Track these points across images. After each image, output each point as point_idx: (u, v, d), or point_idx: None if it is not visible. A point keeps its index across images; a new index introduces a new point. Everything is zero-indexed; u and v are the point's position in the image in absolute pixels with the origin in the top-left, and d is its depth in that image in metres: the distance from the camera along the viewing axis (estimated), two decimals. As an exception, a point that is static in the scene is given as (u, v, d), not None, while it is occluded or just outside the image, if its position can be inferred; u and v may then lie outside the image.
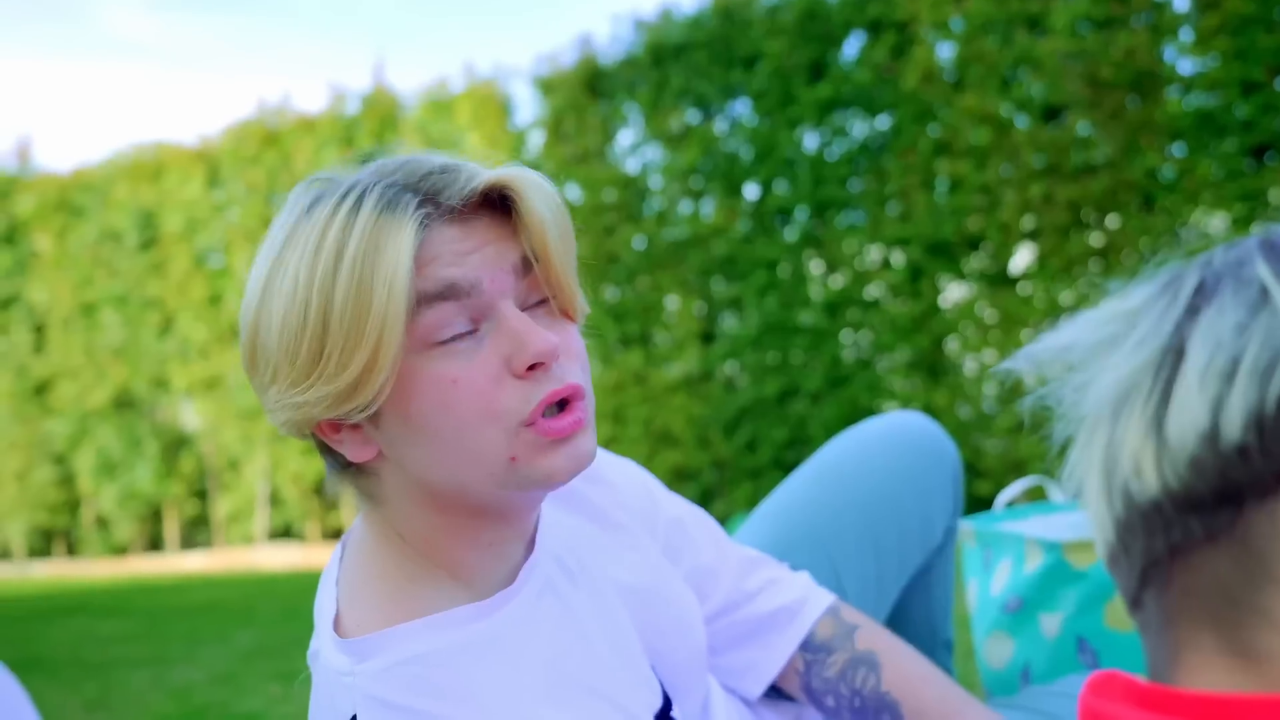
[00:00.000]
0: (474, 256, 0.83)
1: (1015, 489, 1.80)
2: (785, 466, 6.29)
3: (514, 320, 0.83)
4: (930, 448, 1.45)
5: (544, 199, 0.86)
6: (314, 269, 0.80)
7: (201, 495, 8.25)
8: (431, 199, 0.83)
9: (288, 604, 4.56)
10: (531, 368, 0.83)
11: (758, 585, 1.19)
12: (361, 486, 0.89)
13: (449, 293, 0.81)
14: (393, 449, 0.85)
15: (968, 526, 1.74)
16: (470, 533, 0.89)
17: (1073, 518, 1.76)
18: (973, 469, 5.98)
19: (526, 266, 0.86)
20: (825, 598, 1.20)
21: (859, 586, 1.39)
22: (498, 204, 0.87)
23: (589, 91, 6.73)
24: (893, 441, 1.45)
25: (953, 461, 1.46)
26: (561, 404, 0.85)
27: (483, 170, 0.86)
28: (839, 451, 1.45)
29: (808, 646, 1.18)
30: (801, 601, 1.19)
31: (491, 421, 0.82)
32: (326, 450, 0.89)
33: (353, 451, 0.85)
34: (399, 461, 0.85)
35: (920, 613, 1.51)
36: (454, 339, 0.82)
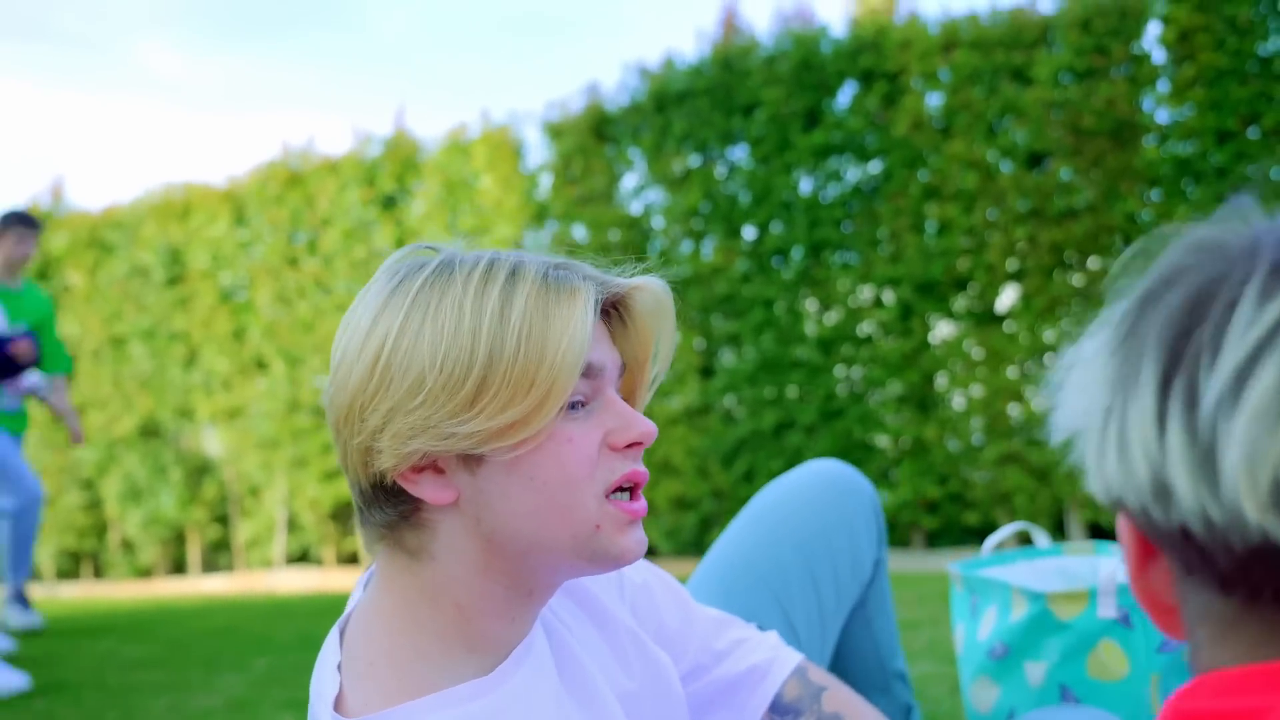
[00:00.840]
0: (604, 344, 0.93)
1: (1002, 534, 1.86)
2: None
3: (620, 403, 0.92)
4: (851, 487, 1.55)
5: (669, 324, 0.98)
6: (480, 316, 0.86)
7: (223, 520, 8.53)
8: (596, 284, 0.92)
9: (303, 629, 4.72)
10: (629, 445, 0.91)
11: (726, 646, 1.20)
12: (407, 541, 0.90)
13: (588, 369, 0.90)
14: (479, 496, 0.88)
15: (956, 571, 1.80)
16: (508, 602, 0.92)
17: (1058, 563, 1.83)
18: (961, 500, 6.20)
19: (624, 368, 0.97)
20: (793, 657, 1.22)
21: (805, 621, 1.45)
22: (618, 307, 0.98)
23: (596, 136, 7.02)
24: (818, 484, 1.54)
25: (871, 499, 1.56)
26: (629, 490, 0.92)
27: (627, 279, 0.96)
28: (772, 497, 1.54)
29: (776, 708, 1.18)
30: (770, 661, 1.20)
31: (589, 484, 0.89)
32: (386, 499, 0.90)
33: (432, 493, 0.88)
34: (478, 512, 0.88)
35: (866, 646, 1.57)
36: (575, 405, 0.90)
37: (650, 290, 0.96)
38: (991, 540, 1.86)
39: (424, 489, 0.88)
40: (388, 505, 0.90)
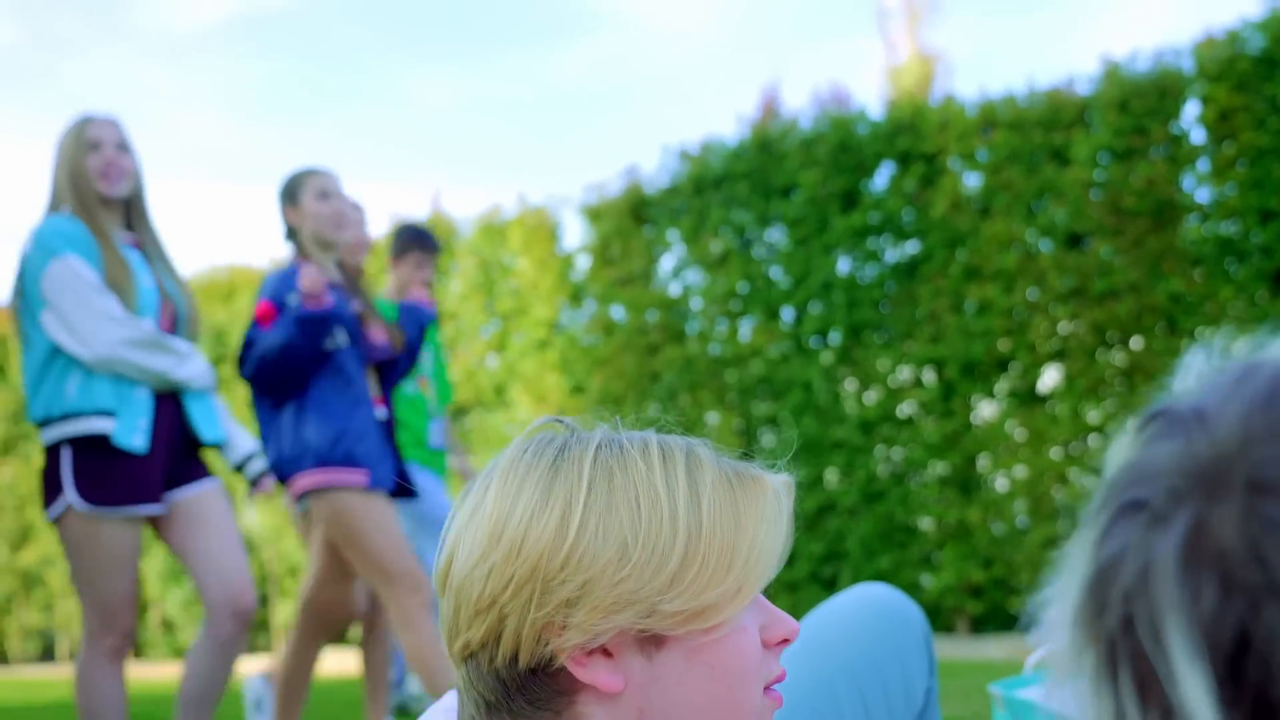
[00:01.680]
0: None
1: (1044, 651, 1.82)
2: (822, 581, 6.43)
3: (763, 598, 0.92)
4: (903, 616, 1.52)
5: (789, 524, 0.95)
6: (674, 494, 0.85)
7: (262, 600, 8.53)
8: (772, 475, 0.92)
9: (336, 717, 4.72)
10: (779, 642, 0.92)
11: None
12: None
13: None
14: (653, 684, 0.86)
15: (997, 692, 1.75)
16: None
17: None
18: (1006, 585, 6.09)
19: None
20: None
21: None
22: None
23: (634, 218, 7.07)
24: (869, 613, 1.52)
25: (922, 626, 1.54)
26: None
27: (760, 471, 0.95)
28: (818, 625, 1.51)
29: None
30: None
31: (758, 678, 0.89)
32: (542, 685, 0.86)
33: (604, 679, 0.85)
34: (645, 701, 0.86)
35: None
36: None
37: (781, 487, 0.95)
38: (1033, 658, 1.79)
39: (596, 674, 0.84)
40: (540, 691, 0.85)
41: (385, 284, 4.23)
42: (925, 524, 6.25)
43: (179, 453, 2.86)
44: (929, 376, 6.28)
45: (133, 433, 2.74)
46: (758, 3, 22.02)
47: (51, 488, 2.78)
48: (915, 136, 6.30)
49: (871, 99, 9.62)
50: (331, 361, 3.09)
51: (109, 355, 2.72)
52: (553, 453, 0.88)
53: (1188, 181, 5.81)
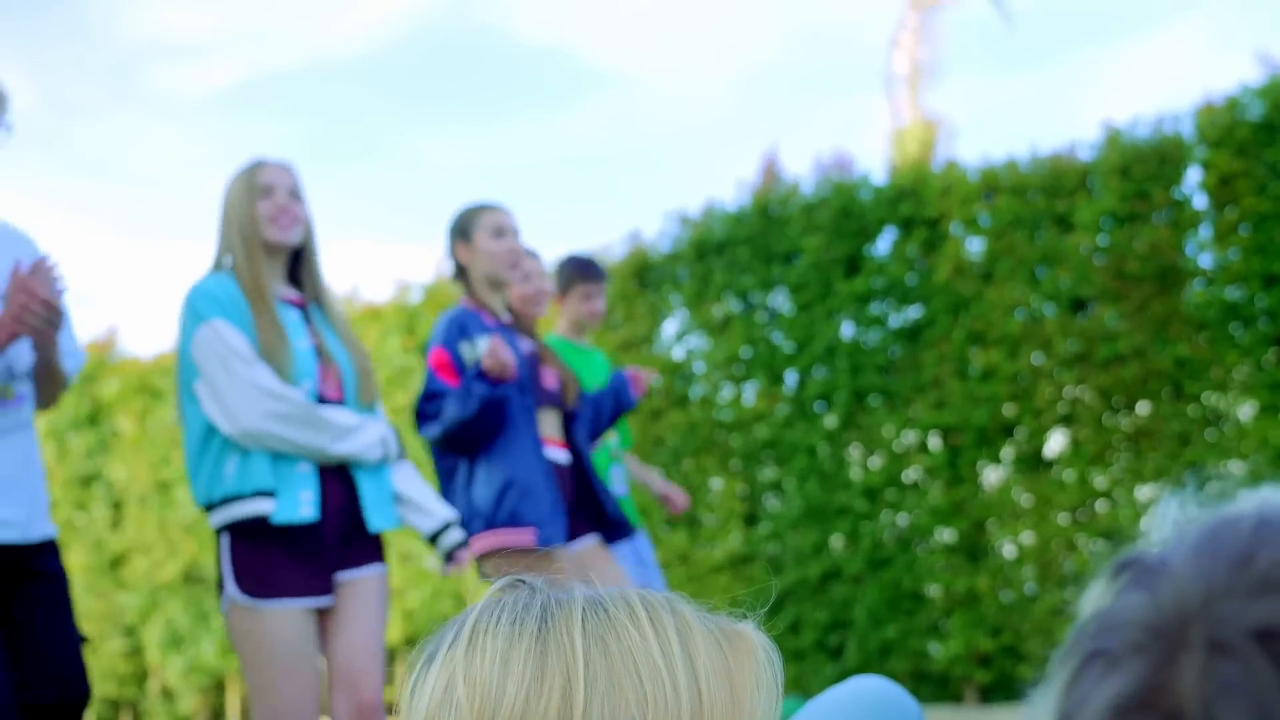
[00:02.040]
0: None
1: None
2: (828, 649, 6.35)
3: None
4: (897, 707, 1.55)
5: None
6: (670, 658, 0.82)
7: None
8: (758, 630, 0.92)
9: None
10: None
11: None
12: None
13: None
14: None
15: None
16: None
17: None
18: (1015, 653, 6.01)
19: None
20: None
21: None
22: None
23: (638, 282, 7.07)
24: (866, 708, 1.55)
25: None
26: None
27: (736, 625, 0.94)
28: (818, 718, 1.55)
29: None
30: None
31: None
32: None
33: None
34: None
35: None
36: None
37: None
38: None
39: None
40: None
41: (556, 323, 4.03)
42: (933, 591, 6.18)
43: (347, 533, 2.65)
44: (934, 442, 6.24)
45: (296, 506, 2.54)
46: (762, 65, 22.27)
47: (219, 581, 2.59)
48: (918, 202, 6.31)
49: (875, 163, 9.68)
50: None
51: (256, 430, 2.50)
52: (535, 621, 0.82)
53: (1190, 246, 5.80)
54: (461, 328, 3.05)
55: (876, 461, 6.36)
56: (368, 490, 2.66)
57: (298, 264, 2.77)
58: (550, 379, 3.19)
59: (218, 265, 2.72)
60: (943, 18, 10.93)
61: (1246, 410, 5.65)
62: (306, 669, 2.54)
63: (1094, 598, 0.54)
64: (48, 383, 2.53)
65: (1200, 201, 5.78)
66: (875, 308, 6.39)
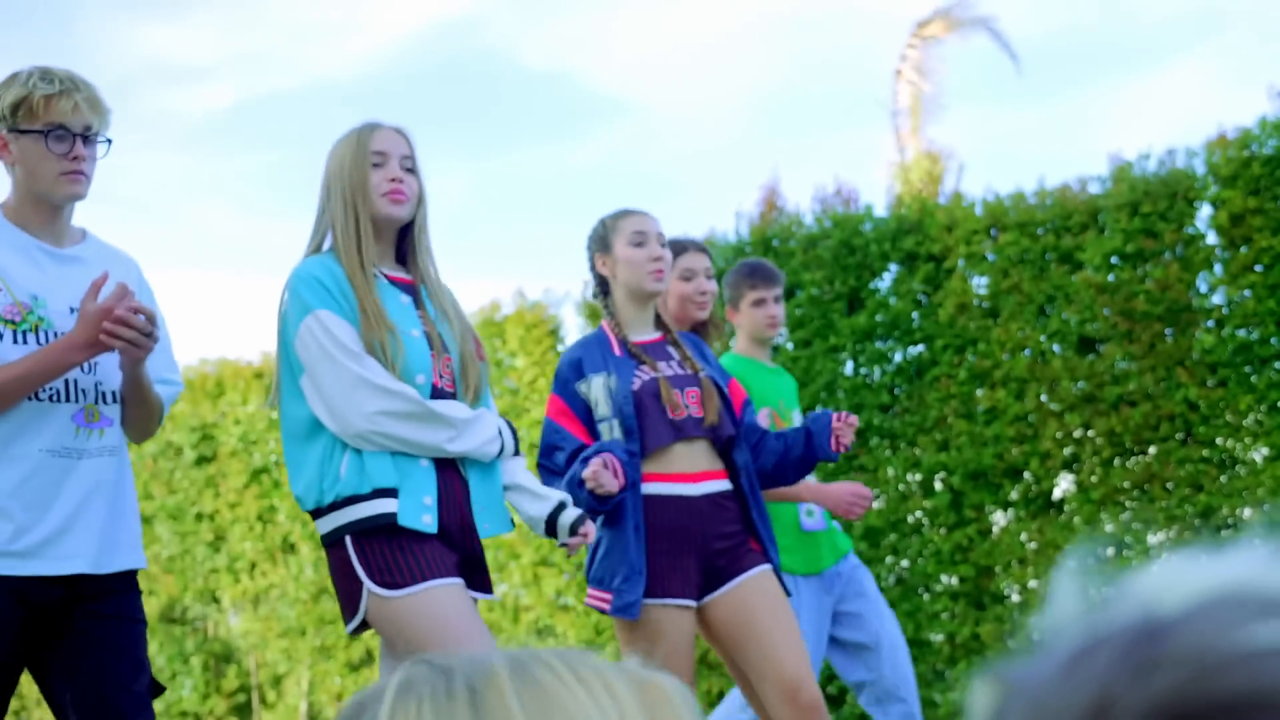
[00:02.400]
0: None
1: None
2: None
3: None
4: None
5: None
6: (606, 713, 0.77)
7: (244, 710, 8.21)
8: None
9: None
10: None
11: None
12: None
13: None
14: None
15: None
16: None
17: None
18: (1021, 703, 5.83)
19: None
20: None
21: None
22: None
23: (633, 317, 6.91)
24: None
25: None
26: None
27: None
28: None
29: None
30: None
31: None
32: None
33: None
34: None
35: None
36: None
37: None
38: None
39: None
40: None
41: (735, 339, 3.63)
42: (936, 638, 6.01)
43: (470, 538, 2.43)
44: (938, 484, 6.07)
45: (419, 512, 2.33)
46: (767, 93, 22.21)
47: (347, 592, 2.36)
48: (922, 236, 6.16)
49: (878, 196, 9.56)
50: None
51: (366, 431, 2.30)
52: (464, 691, 0.75)
53: (1202, 286, 5.66)
54: (577, 368, 2.82)
55: (879, 503, 6.19)
56: (480, 492, 2.45)
57: (404, 240, 2.50)
58: (674, 412, 2.81)
59: (316, 243, 2.48)
60: (946, 50, 10.85)
61: (1259, 455, 5.50)
62: (482, 641, 2.32)
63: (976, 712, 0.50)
64: (137, 407, 2.37)
65: (1212, 239, 5.65)
66: (878, 345, 6.23)
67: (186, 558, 8.26)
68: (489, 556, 7.66)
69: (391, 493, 2.32)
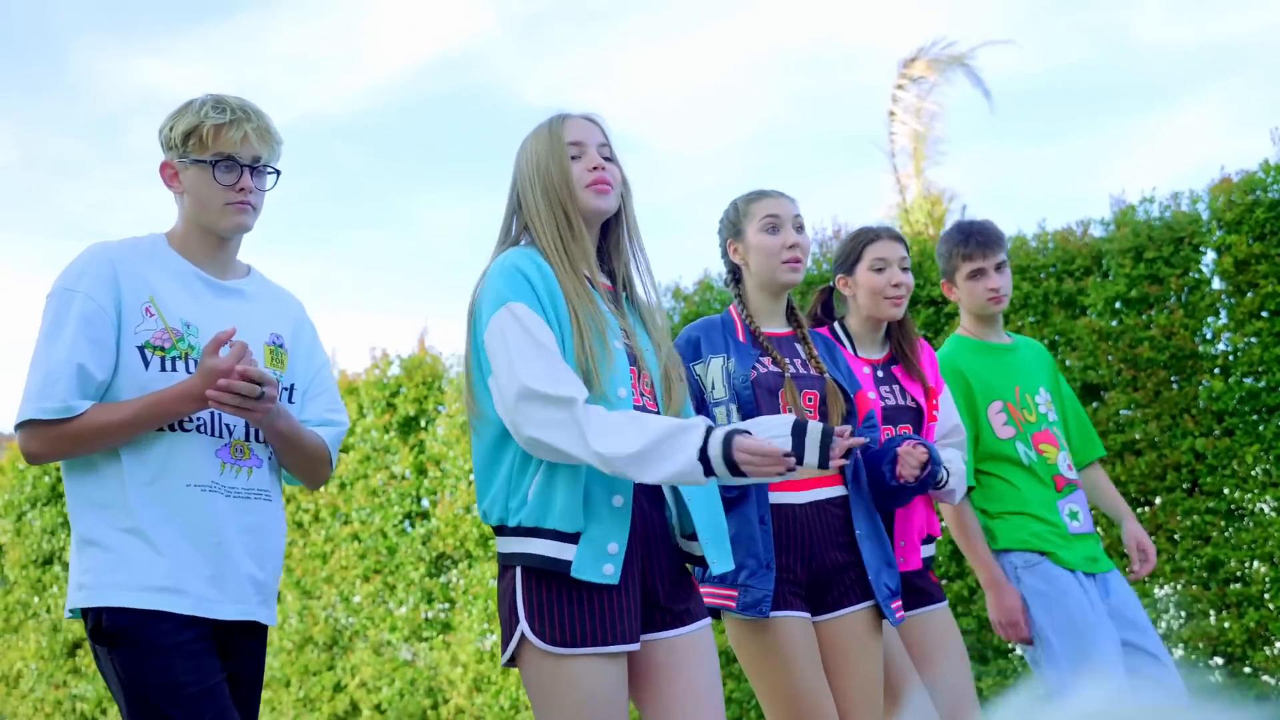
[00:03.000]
0: None
1: None
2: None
3: None
4: None
5: None
6: None
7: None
8: None
9: None
10: None
11: None
12: None
13: None
14: None
15: None
16: None
17: None
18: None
19: None
20: None
21: None
22: None
23: (627, 360, 6.79)
24: None
25: None
26: None
27: None
28: None
29: None
30: None
31: None
32: None
33: None
34: None
35: None
36: None
37: None
38: None
39: None
40: None
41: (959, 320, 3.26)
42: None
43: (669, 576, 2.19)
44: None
45: (600, 562, 2.07)
46: (768, 132, 22.19)
47: (506, 621, 2.14)
48: (922, 280, 6.04)
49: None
50: None
51: (529, 436, 2.05)
52: None
53: (1207, 332, 5.54)
54: (695, 347, 2.62)
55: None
56: (701, 518, 2.18)
57: (605, 238, 2.28)
58: (805, 405, 2.57)
59: (509, 242, 2.25)
60: (945, 90, 10.84)
61: (1267, 505, 5.37)
62: None
63: None
64: (289, 455, 2.29)
65: (1217, 285, 5.53)
66: (876, 391, 6.10)
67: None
68: (480, 606, 7.46)
69: (571, 538, 2.07)
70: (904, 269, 2.94)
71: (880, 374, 2.93)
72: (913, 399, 2.93)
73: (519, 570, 2.11)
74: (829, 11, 20.30)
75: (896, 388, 2.92)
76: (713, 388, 2.58)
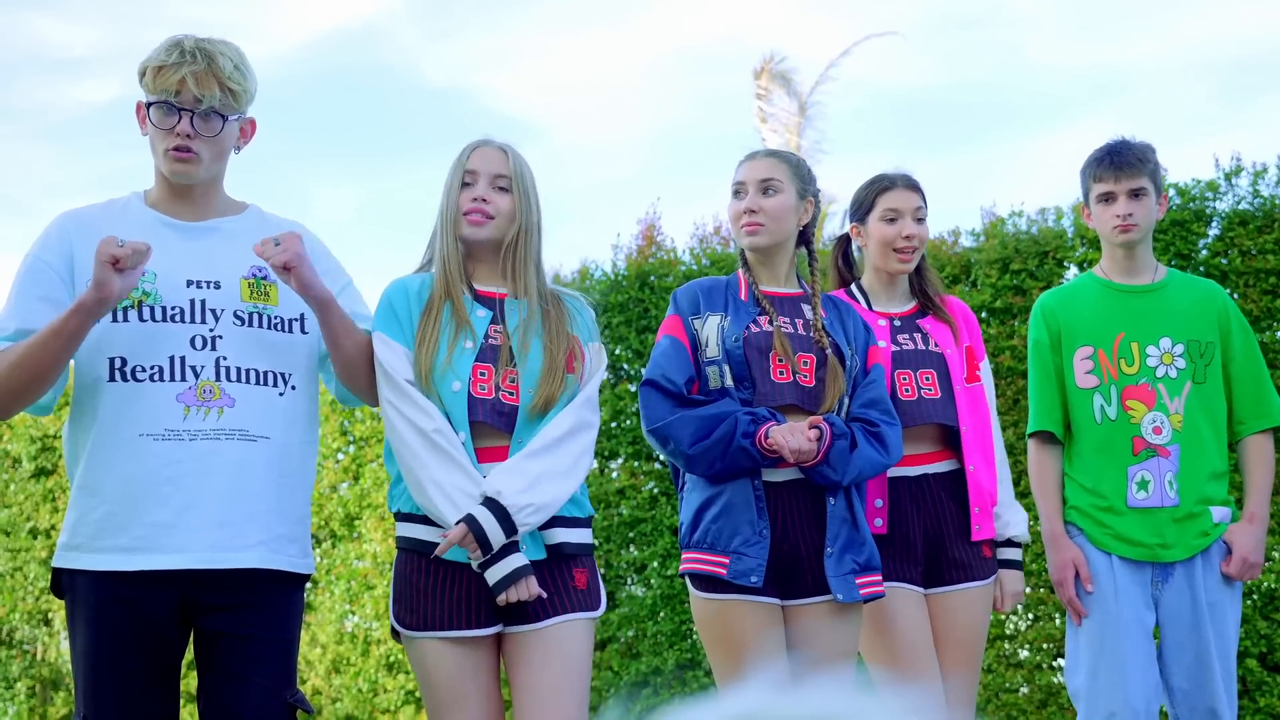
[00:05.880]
0: None
1: None
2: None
3: None
4: None
5: None
6: None
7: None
8: None
9: None
10: None
11: None
12: None
13: None
14: None
15: None
16: None
17: None
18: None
19: None
20: None
21: None
22: None
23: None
24: None
25: None
26: None
27: None
28: None
29: None
30: None
31: None
32: None
33: None
34: None
35: None
36: None
37: None
38: None
39: None
40: None
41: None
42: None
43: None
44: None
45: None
46: (661, 127, 22.27)
47: None
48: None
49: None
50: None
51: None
52: None
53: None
54: (695, 303, 2.57)
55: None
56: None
57: (508, 260, 2.41)
58: (800, 366, 2.51)
59: (429, 258, 2.46)
60: (828, 99, 11.03)
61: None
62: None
63: None
64: (327, 328, 2.24)
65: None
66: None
67: (17, 575, 7.80)
68: (342, 587, 7.35)
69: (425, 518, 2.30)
70: (918, 219, 2.85)
71: (898, 323, 2.84)
72: (936, 345, 2.81)
73: (400, 552, 2.35)
74: (732, 16, 20.48)
75: (919, 335, 2.83)
76: (706, 346, 2.55)
